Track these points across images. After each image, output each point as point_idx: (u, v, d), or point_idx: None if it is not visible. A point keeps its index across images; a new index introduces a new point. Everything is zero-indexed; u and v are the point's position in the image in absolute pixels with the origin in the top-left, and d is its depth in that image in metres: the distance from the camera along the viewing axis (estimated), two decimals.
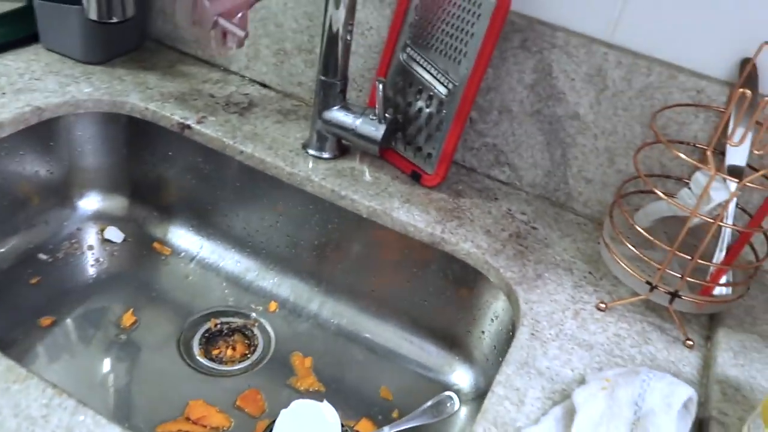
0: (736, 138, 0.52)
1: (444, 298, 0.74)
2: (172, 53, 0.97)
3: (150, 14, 0.97)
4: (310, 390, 0.72)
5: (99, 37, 0.90)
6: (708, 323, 0.64)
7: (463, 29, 0.71)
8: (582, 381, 0.55)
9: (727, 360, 0.57)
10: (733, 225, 0.57)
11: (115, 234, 0.88)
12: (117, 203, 0.90)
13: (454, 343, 0.75)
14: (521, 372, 0.55)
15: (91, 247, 0.86)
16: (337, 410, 0.65)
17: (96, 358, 0.73)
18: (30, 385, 0.50)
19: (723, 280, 0.60)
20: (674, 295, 0.59)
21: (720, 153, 0.66)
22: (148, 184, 0.89)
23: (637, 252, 0.60)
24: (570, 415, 0.51)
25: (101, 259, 0.85)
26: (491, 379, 0.69)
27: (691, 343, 0.60)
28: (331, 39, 0.74)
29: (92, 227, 0.88)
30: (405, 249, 0.74)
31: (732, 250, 0.60)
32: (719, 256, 0.60)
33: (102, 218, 0.89)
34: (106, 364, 0.73)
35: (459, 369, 0.74)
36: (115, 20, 0.82)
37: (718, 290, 0.60)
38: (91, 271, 0.84)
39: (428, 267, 0.74)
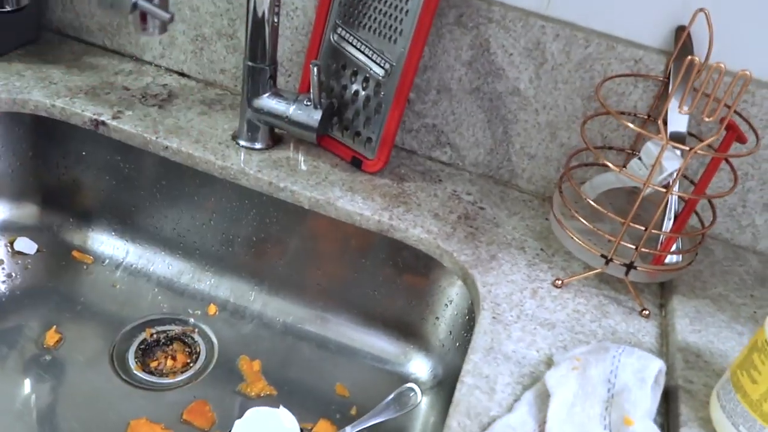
0: (686, 106, 0.52)
1: (394, 286, 0.72)
2: (75, 44, 0.89)
3: (47, 2, 0.88)
4: (262, 395, 0.68)
5: None
6: (660, 291, 0.65)
7: (396, 6, 0.68)
8: (549, 361, 0.54)
9: (684, 327, 0.58)
10: (683, 193, 0.57)
11: (26, 245, 0.80)
12: (26, 211, 0.82)
13: (408, 332, 0.73)
14: (488, 358, 0.54)
15: (0, 261, 0.78)
16: (292, 413, 0.62)
17: (19, 383, 0.66)
18: None
19: (673, 248, 0.61)
20: (630, 267, 0.59)
21: (662, 122, 0.67)
22: (61, 189, 0.81)
23: (591, 226, 0.59)
24: (542, 398, 0.49)
25: (13, 274, 0.77)
26: (449, 366, 0.68)
27: (647, 312, 0.60)
28: (257, 22, 0.69)
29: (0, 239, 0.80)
30: (350, 239, 0.71)
31: (680, 218, 0.60)
32: (668, 224, 0.61)
33: (10, 229, 0.81)
34: (32, 389, 0.66)
35: (415, 358, 0.72)
36: (7, 9, 0.74)
37: (669, 258, 0.61)
38: (3, 287, 0.76)
39: (376, 256, 0.71)
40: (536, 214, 0.73)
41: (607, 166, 0.58)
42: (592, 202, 0.59)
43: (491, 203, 0.73)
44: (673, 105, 0.60)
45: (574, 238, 0.61)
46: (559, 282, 0.62)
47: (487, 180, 0.77)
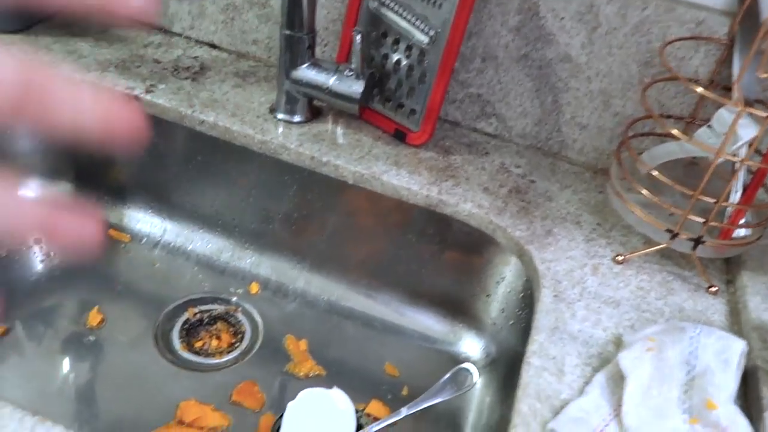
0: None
1: (441, 263, 0.70)
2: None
3: None
4: (311, 375, 0.67)
5: (11, 1, 0.78)
6: (725, 267, 0.62)
7: None
8: (617, 341, 0.52)
9: (757, 305, 0.55)
10: (757, 162, 0.54)
11: None
12: (60, 189, 0.81)
13: (457, 310, 0.71)
14: (553, 338, 0.52)
15: (37, 241, 0.77)
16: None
17: (64, 364, 0.65)
18: (3, 416, 0.43)
19: (741, 221, 0.58)
20: (698, 241, 0.56)
21: (723, 88, 0.64)
22: (95, 166, 0.80)
23: (657, 199, 0.57)
24: (615, 380, 0.47)
25: (51, 254, 0.76)
26: (503, 345, 0.66)
27: (715, 289, 0.58)
28: None
29: None
30: (393, 214, 0.69)
31: (750, 189, 0.57)
32: (735, 196, 0.58)
33: None
34: (78, 372, 0.65)
35: (466, 337, 0.71)
36: None
37: (736, 232, 0.58)
38: (41, 267, 0.75)
39: (421, 231, 0.69)
40: (589, 187, 0.70)
41: (672, 135, 0.55)
42: (657, 174, 0.56)
43: (541, 176, 0.71)
44: (740, 69, 0.56)
45: (637, 211, 0.58)
46: (621, 258, 0.60)
47: (536, 152, 0.74)
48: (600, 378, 0.48)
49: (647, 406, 0.45)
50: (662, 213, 0.60)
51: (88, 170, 0.80)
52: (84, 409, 0.62)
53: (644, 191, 0.57)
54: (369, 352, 0.70)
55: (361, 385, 0.66)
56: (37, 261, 0.75)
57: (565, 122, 0.72)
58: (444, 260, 0.69)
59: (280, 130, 0.71)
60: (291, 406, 0.57)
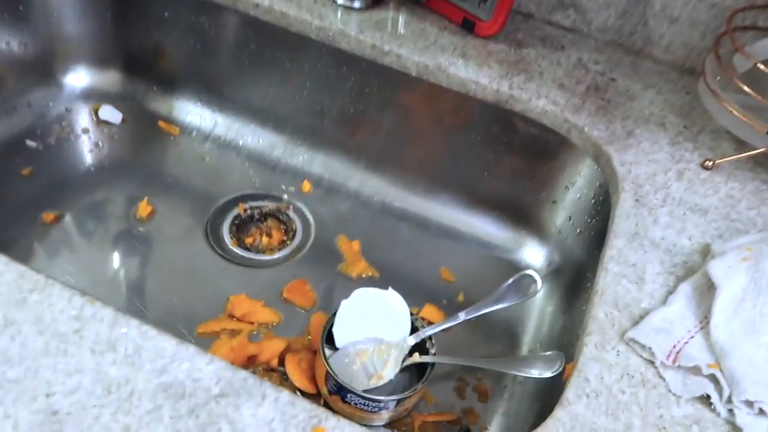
0: None
1: (506, 165, 0.65)
2: None
3: None
4: (363, 276, 0.64)
5: None
6: None
7: None
8: (704, 251, 0.47)
9: None
10: None
11: (111, 113, 0.76)
12: (109, 78, 0.78)
13: (520, 216, 0.67)
14: (633, 245, 0.47)
15: (86, 130, 0.75)
16: None
17: (115, 255, 0.64)
18: (52, 294, 0.41)
19: None
20: None
21: None
22: (144, 53, 0.76)
23: (760, 97, 0.50)
24: (701, 291, 0.43)
25: (100, 143, 0.74)
26: (568, 254, 0.62)
27: None
28: None
29: (83, 107, 0.76)
30: (457, 111, 0.64)
31: None
32: None
33: (93, 96, 0.77)
34: (128, 262, 0.64)
35: (527, 244, 0.67)
36: None
37: None
38: (90, 157, 0.73)
39: (486, 131, 0.64)
40: (675, 87, 0.64)
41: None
42: (764, 68, 0.50)
43: (622, 74, 0.64)
44: None
45: (735, 111, 0.52)
46: (710, 163, 0.54)
47: (616, 48, 0.67)
48: (685, 288, 0.44)
49: (739, 319, 0.41)
50: (761, 116, 0.54)
51: (138, 58, 0.76)
52: (134, 298, 0.61)
53: (746, 88, 0.51)
54: (424, 255, 0.67)
55: (416, 288, 0.64)
56: (86, 151, 0.73)
57: (653, 15, 0.65)
58: (508, 163, 0.65)
59: (339, 15, 0.66)
60: (345, 304, 0.55)
